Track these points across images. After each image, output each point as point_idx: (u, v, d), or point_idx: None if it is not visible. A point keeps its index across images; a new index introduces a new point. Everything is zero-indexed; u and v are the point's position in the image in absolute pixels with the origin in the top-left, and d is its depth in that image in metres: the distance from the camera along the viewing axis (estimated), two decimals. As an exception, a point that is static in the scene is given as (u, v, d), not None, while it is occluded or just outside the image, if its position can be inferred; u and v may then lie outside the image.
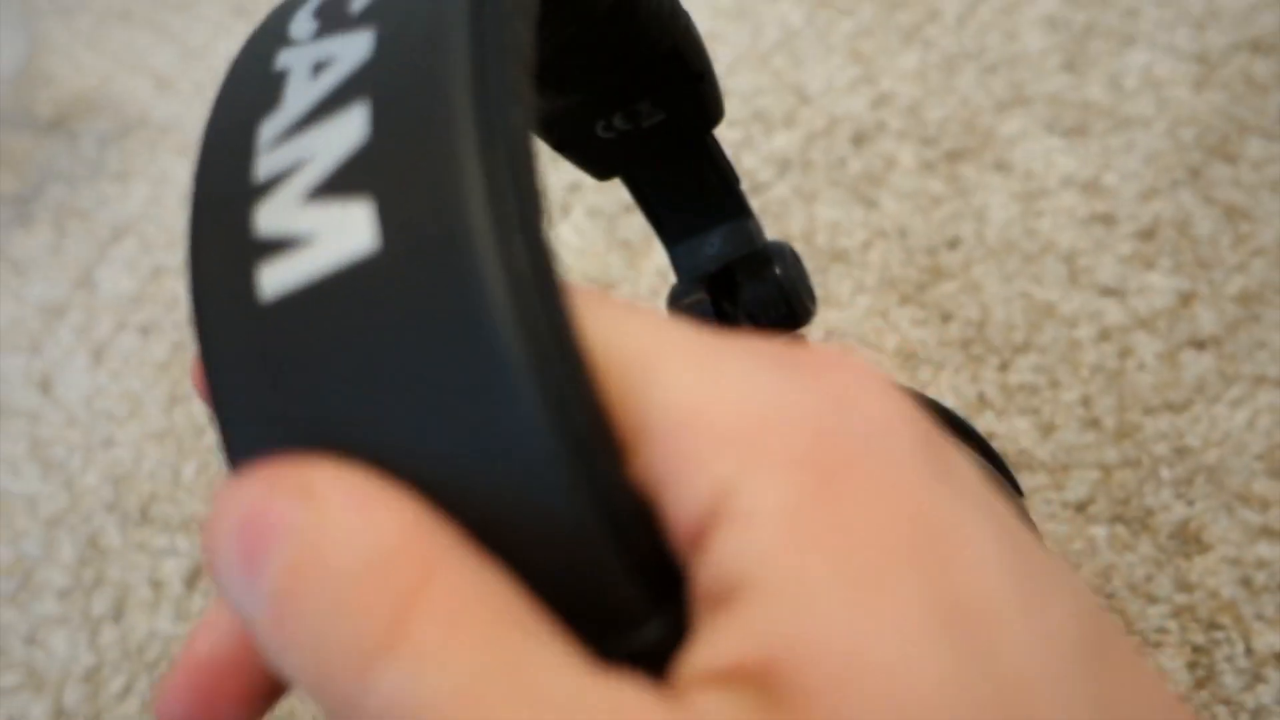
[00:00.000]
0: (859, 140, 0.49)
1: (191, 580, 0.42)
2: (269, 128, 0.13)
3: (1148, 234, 0.43)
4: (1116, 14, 0.51)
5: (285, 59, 0.13)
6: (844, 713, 0.10)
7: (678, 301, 0.28)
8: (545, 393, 0.10)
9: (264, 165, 0.12)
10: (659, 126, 0.26)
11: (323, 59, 0.13)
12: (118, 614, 0.42)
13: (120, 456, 0.47)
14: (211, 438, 0.46)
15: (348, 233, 0.11)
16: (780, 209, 0.48)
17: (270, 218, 0.12)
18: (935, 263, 0.44)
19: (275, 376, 0.11)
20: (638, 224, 0.48)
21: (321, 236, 0.11)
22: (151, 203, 0.59)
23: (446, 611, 0.10)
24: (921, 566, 0.10)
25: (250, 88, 0.13)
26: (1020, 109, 0.49)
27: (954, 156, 0.48)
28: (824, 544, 0.10)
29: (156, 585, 0.42)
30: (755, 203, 0.48)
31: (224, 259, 0.12)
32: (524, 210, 0.11)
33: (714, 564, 0.11)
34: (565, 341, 0.11)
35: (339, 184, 0.12)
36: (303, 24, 0.14)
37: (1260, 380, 0.38)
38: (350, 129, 0.12)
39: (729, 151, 0.50)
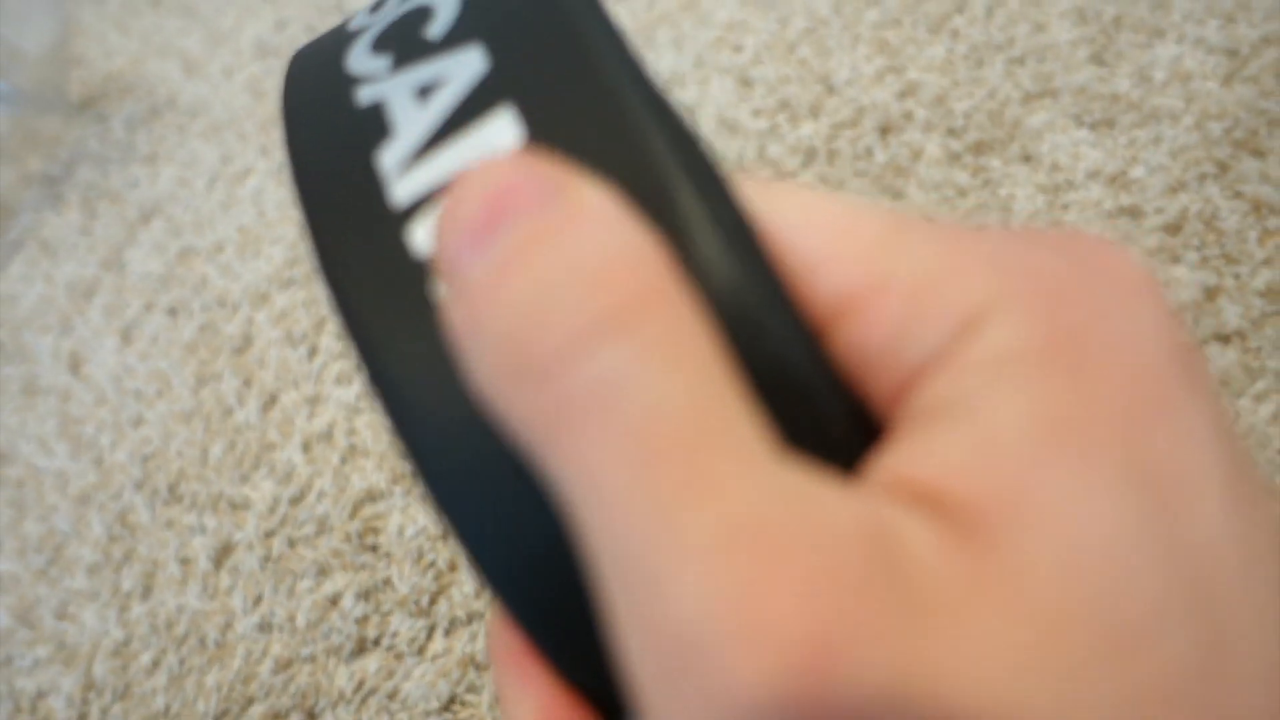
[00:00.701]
0: (885, 130, 0.50)
1: (219, 558, 0.43)
2: (389, 157, 0.13)
3: (1174, 228, 0.43)
4: (1146, 6, 0.51)
5: (370, 94, 0.14)
6: (1020, 550, 0.10)
7: None
8: (788, 324, 0.12)
9: (401, 191, 0.13)
10: None
11: (426, 83, 0.13)
12: (146, 590, 0.43)
13: (149, 435, 0.48)
14: (240, 418, 0.47)
15: None
16: (805, 198, 0.48)
17: (429, 238, 0.12)
18: (960, 254, 0.44)
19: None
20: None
21: None
22: (180, 185, 0.59)
23: (675, 326, 0.11)
24: (1131, 432, 0.11)
25: (340, 130, 0.14)
26: (1048, 101, 0.49)
27: (980, 148, 0.48)
28: (1046, 395, 0.11)
29: (184, 562, 0.43)
30: (780, 192, 0.48)
31: (387, 287, 0.12)
32: (709, 169, 0.12)
33: (945, 383, 0.11)
34: (751, 227, 0.12)
35: None
36: (366, 61, 0.14)
37: (1285, 375, 0.38)
38: (500, 132, 0.12)
39: (755, 142, 0.50)
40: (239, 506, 0.44)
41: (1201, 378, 0.12)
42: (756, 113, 0.52)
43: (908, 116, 0.50)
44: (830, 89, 0.52)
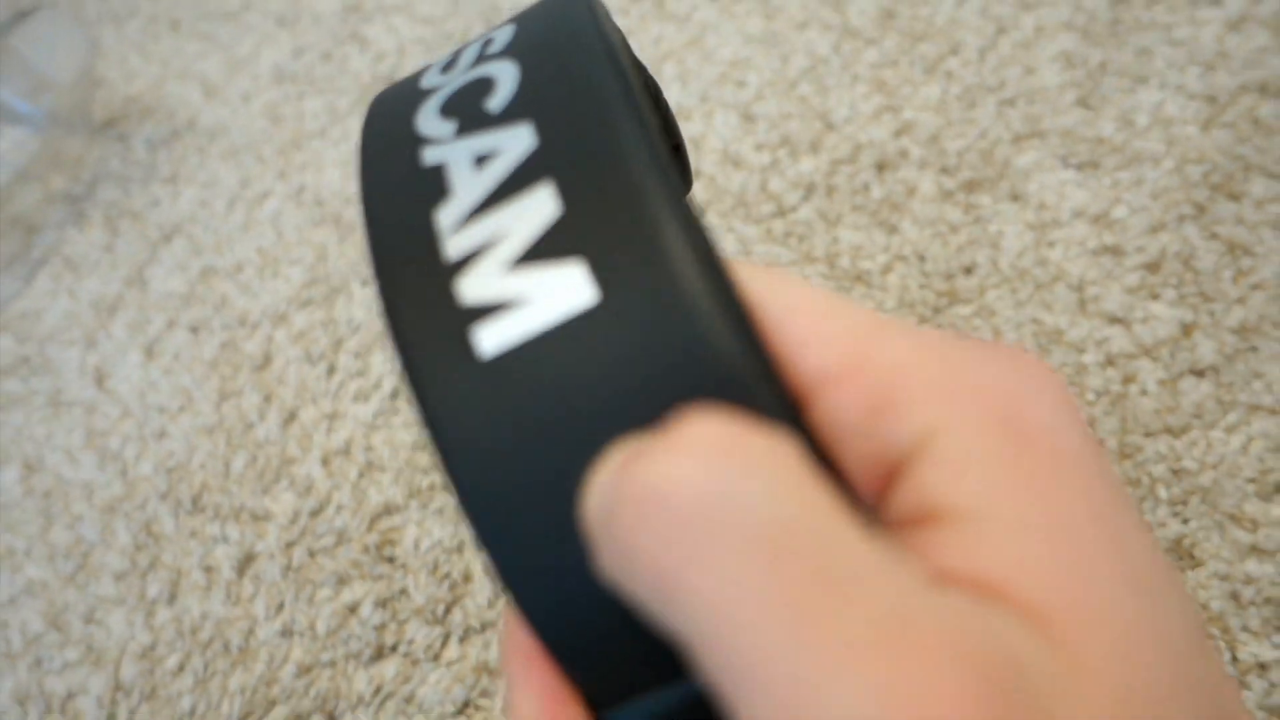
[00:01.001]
0: (881, 167, 0.52)
1: (242, 567, 0.45)
2: (446, 215, 0.15)
3: (1154, 266, 0.45)
4: (1130, 53, 0.53)
5: (434, 155, 0.16)
6: (1085, 645, 0.11)
7: None
8: (775, 391, 0.13)
9: (453, 246, 0.15)
10: None
11: (483, 152, 0.15)
12: (172, 596, 0.45)
13: (172, 448, 0.50)
14: (260, 433, 0.49)
15: (566, 290, 0.14)
16: (805, 231, 0.50)
17: (475, 288, 0.14)
18: (951, 287, 0.47)
19: (513, 421, 0.14)
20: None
21: (536, 297, 0.14)
22: (200, 206, 0.62)
23: (765, 444, 0.12)
24: (1107, 533, 0.12)
25: (407, 184, 0.16)
26: (1036, 142, 0.51)
27: (972, 186, 0.50)
28: (1029, 494, 0.12)
29: (208, 570, 0.45)
30: (781, 225, 0.51)
31: (435, 330, 0.14)
32: (712, 251, 0.14)
33: (912, 492, 0.13)
34: (763, 347, 0.14)
35: (543, 251, 0.14)
36: (434, 124, 0.17)
37: (1255, 408, 0.40)
38: (540, 205, 0.14)
39: (757, 176, 0.53)
40: (260, 518, 0.46)
41: (1119, 483, 0.14)
42: (759, 147, 0.54)
43: (903, 154, 0.52)
44: (829, 126, 0.55)
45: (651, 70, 0.61)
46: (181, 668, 0.42)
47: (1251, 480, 0.38)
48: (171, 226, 0.61)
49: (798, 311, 0.14)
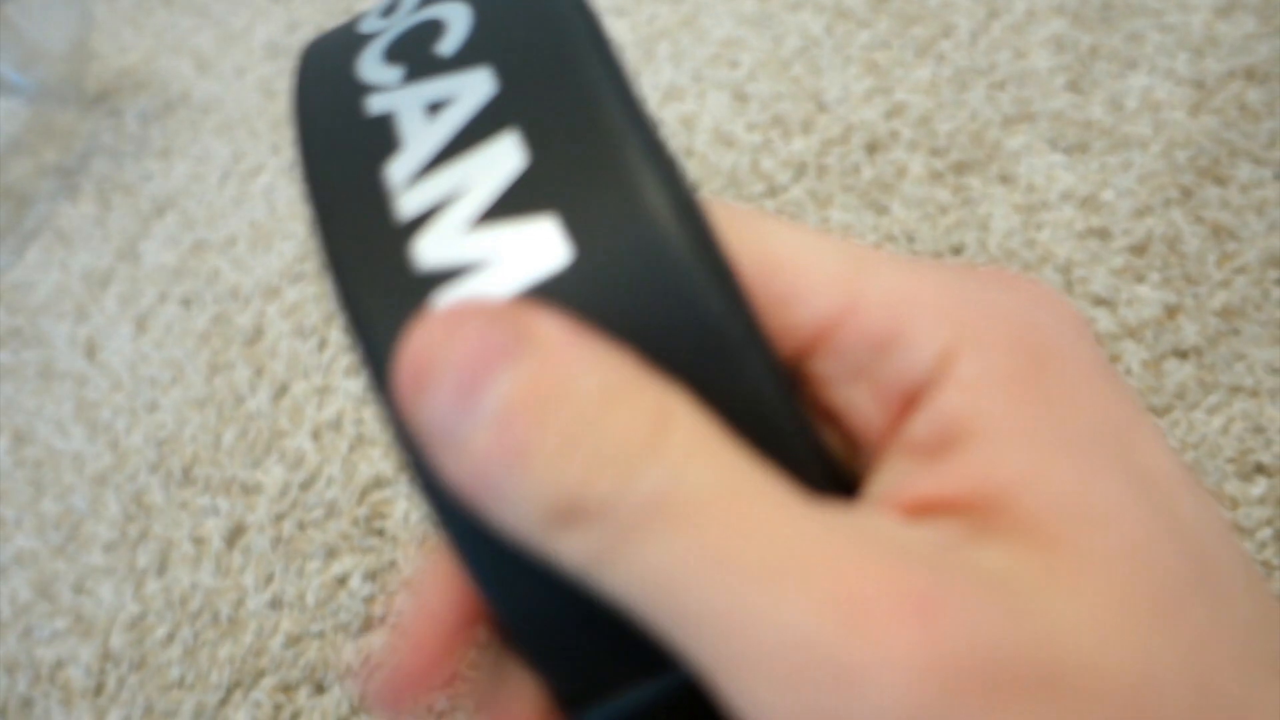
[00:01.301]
0: (872, 148, 0.52)
1: (231, 539, 0.45)
2: (397, 170, 0.14)
3: (1139, 249, 0.45)
4: (1121, 37, 0.54)
5: (380, 104, 0.14)
6: (1079, 545, 0.12)
7: None
8: (764, 354, 0.13)
9: (406, 205, 0.13)
10: None
11: (436, 99, 0.14)
12: (162, 567, 0.45)
13: (163, 420, 0.50)
14: (251, 406, 0.49)
15: (535, 249, 0.13)
16: (796, 211, 0.51)
17: (433, 251, 0.13)
18: (939, 268, 0.47)
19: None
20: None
21: (502, 257, 0.13)
22: (193, 180, 0.62)
23: (692, 431, 0.12)
24: (1117, 443, 0.13)
25: (351, 136, 0.14)
26: (1026, 125, 0.51)
27: (961, 168, 0.50)
28: (1040, 411, 0.12)
29: (198, 542, 0.45)
30: (772, 204, 0.51)
31: (389, 301, 0.13)
32: (693, 201, 0.13)
33: (933, 417, 0.13)
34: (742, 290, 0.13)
35: (509, 207, 0.13)
36: (378, 70, 0.15)
37: (1236, 390, 0.41)
38: (504, 156, 0.13)
39: (748, 156, 0.53)
40: (251, 490, 0.46)
41: (1133, 394, 0.14)
42: (751, 127, 0.54)
43: (894, 135, 0.53)
44: (821, 106, 0.55)
45: (645, 50, 0.61)
46: (171, 638, 0.43)
47: (1231, 460, 0.39)
48: (164, 200, 0.61)
49: (784, 258, 0.14)
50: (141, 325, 0.55)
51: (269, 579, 0.43)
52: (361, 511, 0.44)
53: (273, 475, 0.46)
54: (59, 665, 0.43)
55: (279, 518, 0.45)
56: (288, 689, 0.40)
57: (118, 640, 0.43)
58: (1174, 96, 0.51)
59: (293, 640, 0.41)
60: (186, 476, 0.48)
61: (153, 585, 0.44)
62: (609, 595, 0.12)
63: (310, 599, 0.42)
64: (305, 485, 0.46)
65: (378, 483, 0.45)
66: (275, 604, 0.42)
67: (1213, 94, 0.50)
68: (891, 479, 0.13)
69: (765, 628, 0.11)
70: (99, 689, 0.42)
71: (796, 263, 0.14)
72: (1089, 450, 0.12)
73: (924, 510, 0.12)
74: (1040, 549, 0.12)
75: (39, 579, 0.46)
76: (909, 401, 0.13)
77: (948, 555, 0.12)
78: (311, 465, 0.46)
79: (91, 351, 0.54)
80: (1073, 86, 0.52)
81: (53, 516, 0.48)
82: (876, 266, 0.14)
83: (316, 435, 0.47)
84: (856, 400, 0.14)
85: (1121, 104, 0.51)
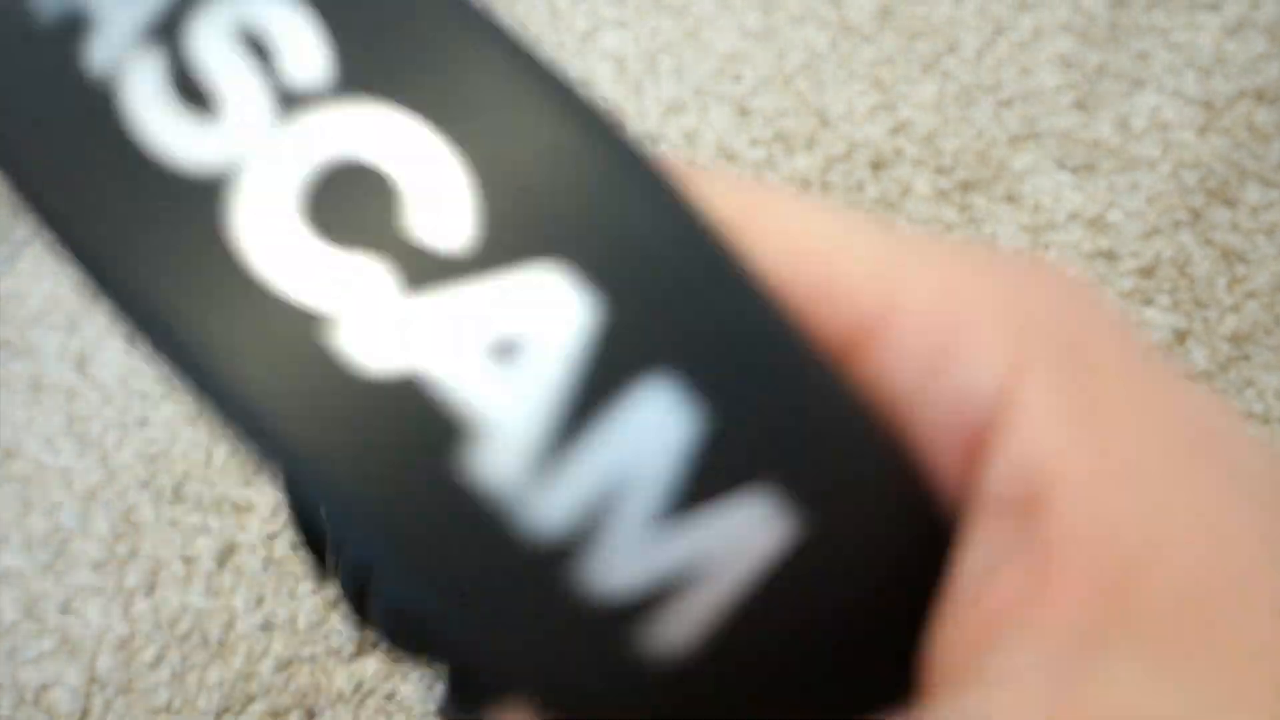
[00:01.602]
0: (877, 166, 0.52)
1: (222, 558, 0.44)
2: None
3: (1148, 271, 0.45)
4: (1128, 56, 0.53)
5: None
6: (1219, 640, 0.10)
7: None
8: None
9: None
10: None
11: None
12: (150, 587, 0.44)
13: (154, 436, 0.49)
14: (244, 422, 0.48)
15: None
16: (798, 229, 0.50)
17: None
18: (944, 288, 0.46)
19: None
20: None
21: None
22: (187, 190, 0.61)
23: None
24: (1209, 453, 0.11)
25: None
26: (1032, 144, 0.51)
27: (967, 186, 0.50)
28: (1122, 439, 0.10)
29: (188, 561, 0.44)
30: (775, 222, 0.50)
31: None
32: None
33: (1010, 465, 0.10)
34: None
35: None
36: None
37: (1247, 416, 0.40)
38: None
39: (751, 172, 0.52)
40: (242, 509, 0.45)
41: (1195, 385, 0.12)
42: (754, 143, 0.54)
43: (898, 153, 0.52)
44: (825, 122, 0.54)
45: (647, 63, 0.60)
46: (159, 660, 0.42)
47: (1242, 490, 0.38)
48: (157, 210, 0.60)
49: (809, 247, 0.11)
50: (133, 338, 0.54)
51: (260, 600, 0.42)
52: (355, 532, 0.43)
53: (264, 493, 0.46)
54: (44, 688, 0.42)
55: (270, 537, 0.44)
56: (277, 715, 0.39)
57: (104, 662, 0.42)
58: (1182, 116, 0.50)
59: (283, 664, 0.40)
60: (177, 494, 0.47)
61: (141, 605, 0.44)
62: None
63: (302, 622, 0.41)
64: (298, 504, 0.45)
65: (372, 503, 0.44)
66: (266, 626, 0.42)
67: (1221, 114, 0.50)
68: (984, 557, 0.10)
69: None
70: (85, 713, 0.41)
71: (824, 253, 0.11)
72: (1183, 470, 0.10)
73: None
74: (1184, 661, 0.09)
75: (25, 598, 0.45)
76: (970, 439, 0.11)
77: (1075, 691, 0.09)
78: (304, 484, 0.45)
79: (82, 364, 0.54)
80: (1080, 105, 0.52)
81: (40, 534, 0.47)
82: (918, 257, 0.11)
83: (310, 453, 0.46)
84: (909, 417, 0.11)
85: (1129, 123, 0.50)
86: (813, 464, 0.09)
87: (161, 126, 0.09)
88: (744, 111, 0.56)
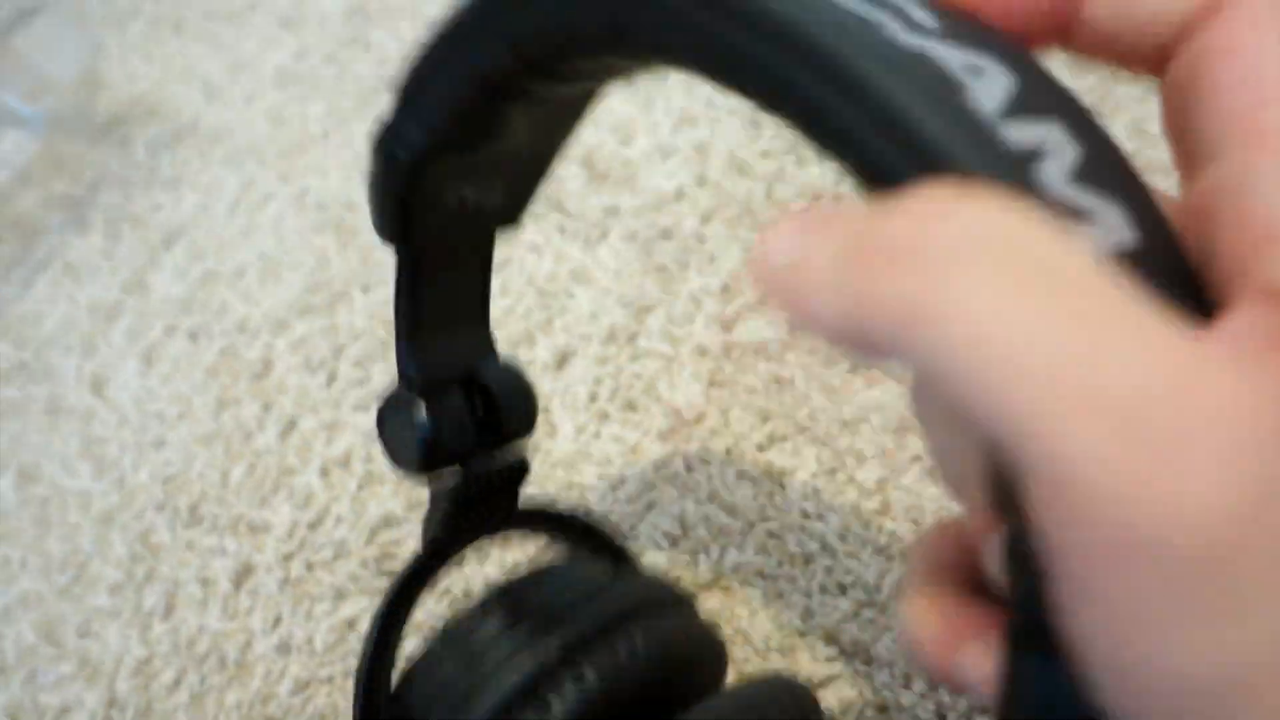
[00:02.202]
0: (889, 176, 0.51)
1: (239, 580, 0.44)
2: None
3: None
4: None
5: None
6: None
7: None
8: None
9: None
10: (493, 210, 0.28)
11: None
12: (168, 609, 0.44)
13: (170, 457, 0.49)
14: (259, 442, 0.48)
15: None
16: (811, 240, 0.50)
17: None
18: (960, 298, 0.46)
19: None
20: (672, 250, 0.50)
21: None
22: (202, 210, 0.61)
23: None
24: None
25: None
26: (1047, 150, 0.50)
27: (981, 195, 0.49)
28: None
29: (205, 583, 0.44)
30: (788, 234, 0.50)
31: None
32: None
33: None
34: None
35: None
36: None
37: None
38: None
39: (763, 184, 0.52)
40: (258, 529, 0.45)
41: None
42: (765, 154, 0.53)
43: (912, 162, 0.51)
44: (837, 133, 0.54)
45: (657, 74, 0.60)
46: (177, 683, 0.42)
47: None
48: (172, 231, 0.60)
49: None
50: (149, 359, 0.54)
51: (277, 621, 0.42)
52: (370, 552, 0.43)
53: (280, 514, 0.46)
54: (64, 711, 0.42)
55: (287, 558, 0.44)
56: (295, 737, 0.39)
57: (123, 686, 0.42)
58: (1199, 120, 0.49)
59: (301, 685, 0.40)
60: (193, 515, 0.47)
61: (159, 628, 0.44)
62: (918, 361, 0.13)
63: (319, 643, 0.41)
64: (313, 525, 0.45)
65: (387, 522, 0.44)
66: (283, 648, 0.42)
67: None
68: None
69: (1102, 374, 0.11)
70: (103, 736, 0.41)
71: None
72: None
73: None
74: None
75: (43, 622, 0.45)
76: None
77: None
78: (320, 504, 0.45)
79: (99, 386, 0.54)
80: (1095, 111, 0.51)
81: (58, 557, 0.47)
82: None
83: (325, 472, 0.46)
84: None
85: (1145, 129, 0.50)
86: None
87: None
88: (755, 123, 0.55)
